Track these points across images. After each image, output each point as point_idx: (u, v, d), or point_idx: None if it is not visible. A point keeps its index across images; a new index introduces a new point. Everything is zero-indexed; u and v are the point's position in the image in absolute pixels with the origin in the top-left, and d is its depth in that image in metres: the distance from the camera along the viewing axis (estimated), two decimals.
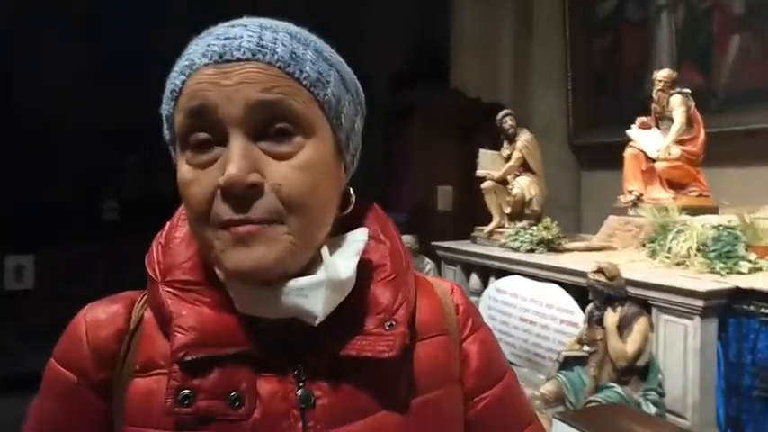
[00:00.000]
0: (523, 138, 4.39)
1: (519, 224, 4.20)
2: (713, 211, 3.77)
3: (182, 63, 0.59)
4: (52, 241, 6.22)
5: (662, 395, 2.74)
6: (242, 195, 0.54)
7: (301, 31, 0.62)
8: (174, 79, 0.59)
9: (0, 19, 7.04)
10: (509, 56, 6.68)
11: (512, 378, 0.75)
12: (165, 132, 0.63)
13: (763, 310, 2.66)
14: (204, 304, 0.59)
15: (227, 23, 0.61)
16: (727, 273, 2.95)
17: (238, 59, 0.56)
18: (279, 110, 0.56)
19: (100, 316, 0.63)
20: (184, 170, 0.57)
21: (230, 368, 0.57)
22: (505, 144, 4.54)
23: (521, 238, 4.05)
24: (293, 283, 0.57)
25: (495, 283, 4.18)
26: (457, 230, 5.29)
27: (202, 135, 0.56)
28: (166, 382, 0.57)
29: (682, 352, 2.80)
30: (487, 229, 4.56)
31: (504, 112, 4.55)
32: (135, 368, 0.61)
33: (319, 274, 0.58)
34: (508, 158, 4.47)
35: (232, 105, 0.55)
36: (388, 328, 0.60)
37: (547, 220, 4.14)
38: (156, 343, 0.61)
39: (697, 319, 2.75)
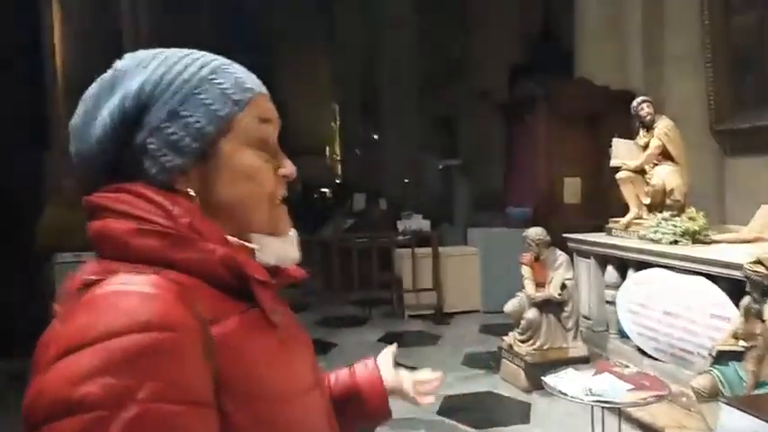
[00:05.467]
0: (663, 124, 4.21)
1: (660, 215, 4.03)
2: None
3: (242, 82, 0.78)
4: None
5: None
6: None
7: None
8: (245, 91, 0.78)
9: None
10: (638, 40, 6.38)
11: None
12: (188, 114, 0.73)
13: None
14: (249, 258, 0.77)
15: (227, 60, 0.81)
16: None
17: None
18: None
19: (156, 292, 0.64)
20: (255, 160, 0.78)
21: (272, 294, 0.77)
22: (642, 132, 4.37)
23: (662, 230, 3.90)
24: (293, 234, 0.84)
25: (633, 276, 4.07)
26: (584, 223, 5.17)
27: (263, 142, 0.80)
28: (259, 310, 0.72)
29: None
30: (624, 220, 4.42)
31: (640, 98, 4.38)
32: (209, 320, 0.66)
33: (293, 231, 0.85)
34: (645, 147, 4.30)
35: (277, 130, 0.82)
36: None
37: (691, 211, 3.96)
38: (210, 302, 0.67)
39: None
